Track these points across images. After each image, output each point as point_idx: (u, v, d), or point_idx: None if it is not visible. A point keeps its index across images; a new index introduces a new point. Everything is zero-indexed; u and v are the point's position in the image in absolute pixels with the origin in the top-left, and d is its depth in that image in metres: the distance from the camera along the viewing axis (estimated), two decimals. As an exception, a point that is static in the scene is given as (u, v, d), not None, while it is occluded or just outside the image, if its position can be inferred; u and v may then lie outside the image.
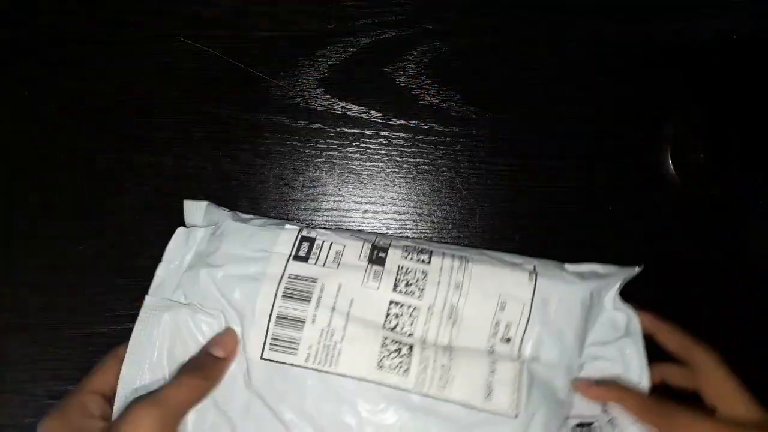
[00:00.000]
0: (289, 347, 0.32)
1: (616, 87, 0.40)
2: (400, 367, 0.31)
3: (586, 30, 0.41)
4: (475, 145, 0.40)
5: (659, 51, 0.41)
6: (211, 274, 0.33)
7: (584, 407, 0.33)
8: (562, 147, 0.40)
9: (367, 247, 0.34)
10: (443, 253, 0.34)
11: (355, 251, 0.34)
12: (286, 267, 0.33)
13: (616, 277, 0.35)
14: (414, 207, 0.40)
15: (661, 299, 0.40)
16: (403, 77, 0.40)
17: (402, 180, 0.40)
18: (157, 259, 0.35)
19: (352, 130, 0.40)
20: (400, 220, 0.40)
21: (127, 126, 0.39)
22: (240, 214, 0.37)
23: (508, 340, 0.33)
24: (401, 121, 0.40)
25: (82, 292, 0.39)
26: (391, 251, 0.34)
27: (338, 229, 0.37)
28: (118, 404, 0.31)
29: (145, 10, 0.40)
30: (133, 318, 0.34)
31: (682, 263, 0.40)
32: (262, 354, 0.32)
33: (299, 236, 0.34)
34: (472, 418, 0.31)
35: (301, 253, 0.33)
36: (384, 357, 0.31)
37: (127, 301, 0.38)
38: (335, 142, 0.40)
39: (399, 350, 0.32)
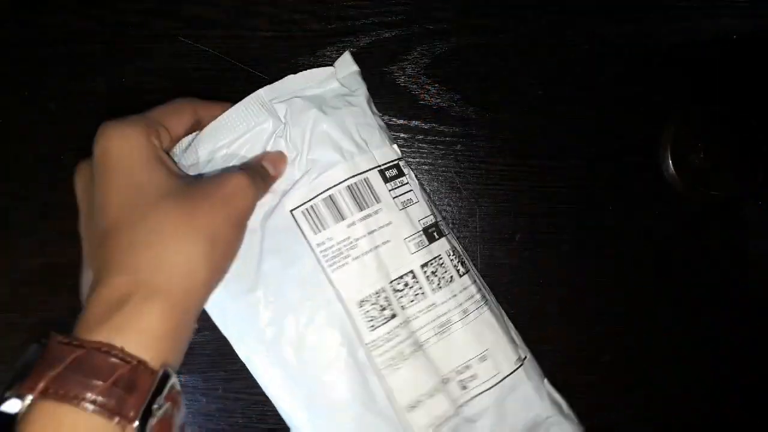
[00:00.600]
0: (315, 224, 0.32)
1: (616, 87, 0.40)
2: (373, 320, 0.32)
3: (586, 30, 0.41)
4: (475, 145, 0.40)
5: (659, 51, 0.41)
6: (321, 112, 0.33)
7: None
8: (562, 147, 0.40)
9: (431, 219, 0.35)
10: (475, 280, 0.35)
11: (421, 213, 0.34)
12: (369, 170, 0.33)
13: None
14: (414, 207, 0.40)
15: (661, 299, 0.40)
16: (403, 77, 0.40)
17: (402, 180, 0.40)
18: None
19: (352, 130, 0.40)
20: (400, 220, 0.40)
21: (127, 126, 0.39)
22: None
23: (464, 387, 0.33)
24: (401, 121, 0.40)
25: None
26: (443, 239, 0.34)
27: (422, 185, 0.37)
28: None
29: (145, 10, 0.39)
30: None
31: (682, 263, 0.40)
32: (294, 207, 0.32)
33: (398, 161, 0.35)
34: (387, 411, 0.32)
35: (388, 174, 0.34)
36: (369, 302, 0.32)
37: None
38: (335, 142, 0.40)
39: (384, 308, 0.32)
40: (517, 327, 0.37)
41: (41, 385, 0.21)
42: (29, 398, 0.22)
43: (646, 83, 0.41)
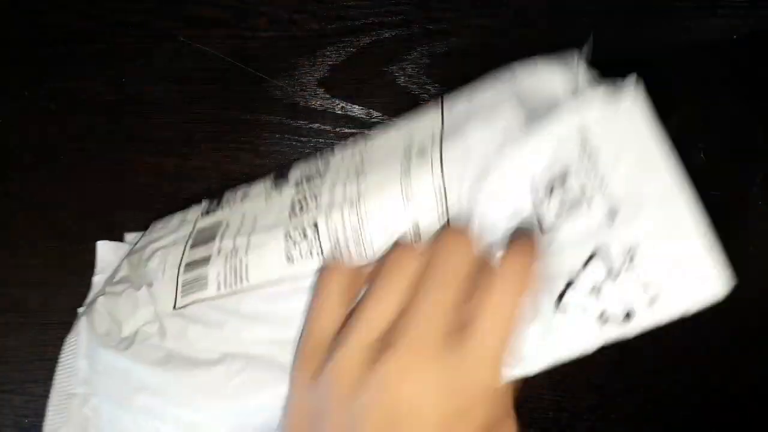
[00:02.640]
0: (198, 285, 0.29)
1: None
2: (311, 252, 0.28)
3: (586, 30, 0.40)
4: (475, 145, 0.40)
5: (659, 51, 0.41)
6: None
7: (551, 156, 0.23)
8: (562, 147, 0.40)
9: (272, 175, 0.33)
10: (344, 149, 0.33)
11: (262, 182, 0.33)
12: (195, 225, 0.32)
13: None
14: (414, 207, 0.40)
15: (661, 299, 0.40)
16: (403, 77, 0.40)
17: (402, 180, 0.40)
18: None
19: (352, 130, 0.40)
20: (400, 220, 0.40)
21: (127, 126, 0.39)
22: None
23: (421, 151, 0.27)
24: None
25: (82, 292, 0.39)
26: (294, 166, 0.33)
27: None
28: None
29: (145, 10, 0.39)
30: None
31: (682, 263, 0.40)
32: (174, 304, 0.29)
33: (210, 200, 0.34)
34: None
35: (211, 208, 0.33)
36: (291, 249, 0.28)
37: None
38: (335, 142, 0.40)
39: (305, 234, 0.28)
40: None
41: None
42: None
43: (646, 83, 0.41)
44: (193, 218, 0.33)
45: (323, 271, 0.27)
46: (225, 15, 0.40)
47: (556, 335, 0.22)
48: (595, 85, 0.25)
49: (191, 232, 0.32)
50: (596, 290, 0.21)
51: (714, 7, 0.41)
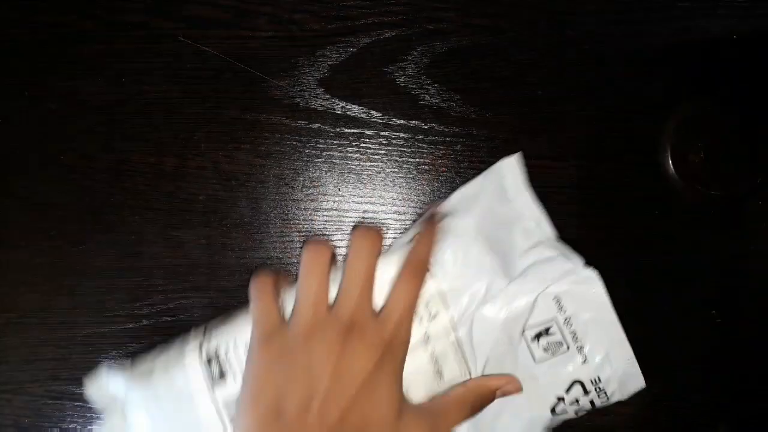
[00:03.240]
0: None
1: (616, 87, 0.40)
2: None
3: (586, 30, 0.41)
4: (475, 145, 0.40)
5: (659, 51, 0.41)
6: None
7: (538, 314, 0.34)
8: (562, 147, 0.40)
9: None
10: None
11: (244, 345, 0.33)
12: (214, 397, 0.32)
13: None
14: (414, 207, 0.40)
15: (661, 299, 0.40)
16: (403, 77, 0.40)
17: (402, 180, 0.40)
18: (158, 259, 0.35)
19: (352, 130, 0.40)
20: (400, 220, 0.40)
21: (127, 126, 0.39)
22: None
23: (435, 315, 0.34)
24: (401, 121, 0.40)
25: (81, 292, 0.39)
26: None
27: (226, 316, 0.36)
28: None
29: (145, 10, 0.40)
30: (132, 318, 0.34)
31: (682, 263, 0.40)
32: None
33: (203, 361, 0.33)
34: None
35: (215, 373, 0.33)
36: None
37: (126, 302, 0.38)
38: (335, 142, 0.40)
39: None
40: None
41: None
42: None
43: (647, 83, 0.41)
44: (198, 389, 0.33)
45: (255, 283, 0.34)
46: (225, 15, 0.40)
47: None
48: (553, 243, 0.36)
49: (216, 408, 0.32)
50: (576, 402, 0.35)
51: (714, 7, 0.41)
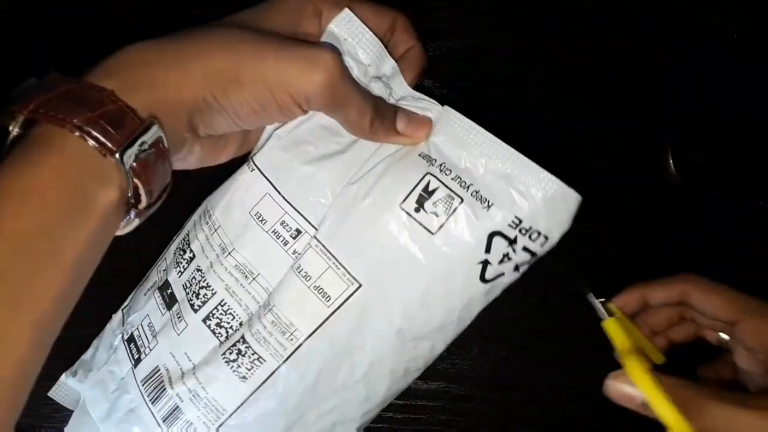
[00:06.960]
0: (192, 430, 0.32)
1: (617, 87, 0.40)
2: (252, 363, 0.30)
3: (587, 30, 0.41)
4: (475, 145, 0.40)
5: (659, 51, 0.41)
6: None
7: (408, 177, 0.29)
8: (562, 147, 0.40)
9: (160, 296, 0.34)
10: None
11: (159, 311, 0.33)
12: (134, 377, 0.33)
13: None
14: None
15: (662, 299, 0.40)
16: (403, 77, 0.40)
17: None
18: (157, 259, 0.35)
19: (352, 130, 0.40)
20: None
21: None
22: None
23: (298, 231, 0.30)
24: (401, 121, 0.40)
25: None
26: (170, 278, 0.34)
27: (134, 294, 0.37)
28: None
29: (146, 10, 0.40)
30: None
31: (682, 263, 0.40)
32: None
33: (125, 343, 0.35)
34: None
35: (133, 355, 0.33)
36: (237, 369, 0.30)
37: (125, 302, 0.38)
38: (335, 142, 0.40)
39: (240, 352, 0.30)
40: (515, 323, 0.36)
41: (32, 106, 0.23)
42: (21, 117, 0.23)
43: (647, 83, 0.41)
44: (120, 370, 0.34)
45: None
46: (225, 15, 0.40)
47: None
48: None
49: (140, 390, 0.32)
50: (506, 258, 0.28)
51: (714, 7, 0.41)
